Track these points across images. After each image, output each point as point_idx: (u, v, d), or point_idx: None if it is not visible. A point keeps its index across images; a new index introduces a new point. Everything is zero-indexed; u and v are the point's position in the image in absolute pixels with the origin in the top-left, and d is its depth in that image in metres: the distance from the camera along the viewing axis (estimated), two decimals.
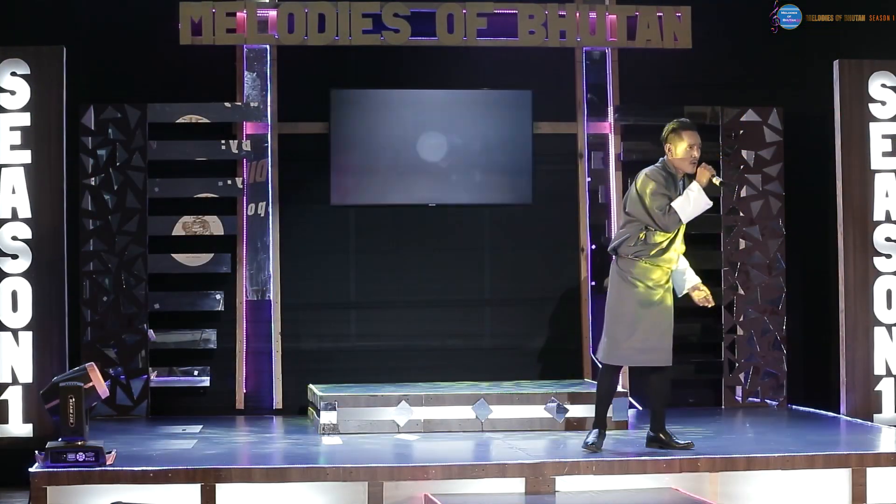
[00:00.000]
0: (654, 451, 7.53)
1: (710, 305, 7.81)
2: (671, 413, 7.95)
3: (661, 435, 7.72)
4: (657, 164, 7.73)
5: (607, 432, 7.81)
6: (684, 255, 7.82)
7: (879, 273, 9.62)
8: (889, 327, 9.60)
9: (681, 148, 7.62)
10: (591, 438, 7.64)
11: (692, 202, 7.53)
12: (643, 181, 7.62)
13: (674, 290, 7.78)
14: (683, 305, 9.26)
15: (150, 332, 9.46)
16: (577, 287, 9.96)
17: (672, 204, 7.53)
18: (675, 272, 7.75)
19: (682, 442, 7.67)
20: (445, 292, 9.90)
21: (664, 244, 7.63)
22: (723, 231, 9.94)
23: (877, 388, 9.57)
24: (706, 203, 7.56)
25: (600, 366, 7.87)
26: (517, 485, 7.16)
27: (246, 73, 9.71)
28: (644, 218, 7.60)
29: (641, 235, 7.61)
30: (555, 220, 10.00)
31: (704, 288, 7.77)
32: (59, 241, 9.04)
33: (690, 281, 7.76)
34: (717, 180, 7.58)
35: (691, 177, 7.65)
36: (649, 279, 7.64)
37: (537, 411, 8.73)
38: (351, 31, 9.64)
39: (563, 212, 9.99)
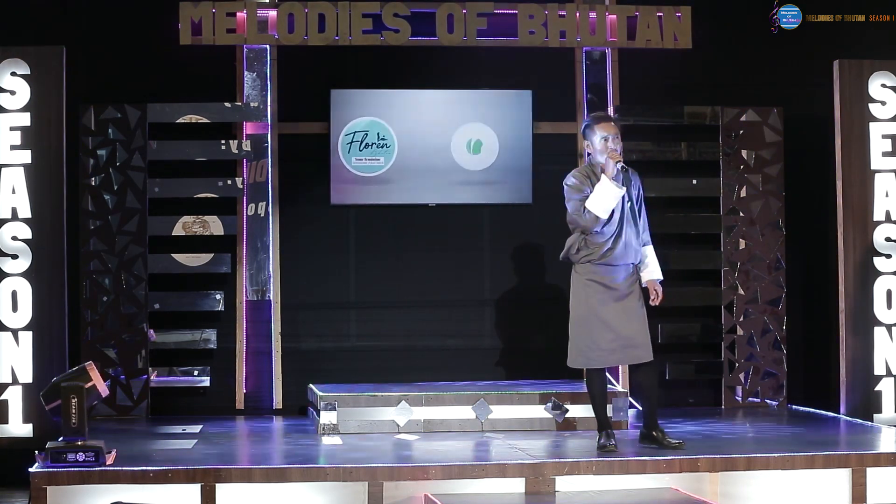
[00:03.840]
0: (654, 451, 7.51)
1: (655, 303, 7.73)
2: (672, 413, 7.95)
3: (654, 432, 7.69)
4: (583, 165, 7.83)
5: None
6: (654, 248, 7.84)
7: (879, 273, 9.62)
8: (889, 327, 9.60)
9: (597, 141, 7.65)
10: (603, 441, 7.63)
11: (600, 196, 7.53)
12: (565, 189, 7.72)
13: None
14: (684, 305, 9.27)
15: (151, 332, 9.46)
16: None
17: (586, 204, 7.57)
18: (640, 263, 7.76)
19: (674, 441, 7.65)
20: (445, 292, 9.89)
21: (608, 243, 7.62)
22: (723, 231, 9.94)
23: (877, 388, 9.57)
24: (614, 192, 7.52)
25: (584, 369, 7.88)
26: (517, 485, 7.15)
27: (246, 73, 9.71)
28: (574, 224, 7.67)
29: (582, 241, 7.65)
30: (555, 220, 9.95)
31: (658, 287, 7.72)
32: (59, 241, 9.04)
33: (648, 275, 7.75)
34: (620, 165, 7.57)
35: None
36: (608, 279, 7.63)
37: (537, 411, 8.73)
38: (351, 31, 9.64)
39: (563, 212, 9.92)
